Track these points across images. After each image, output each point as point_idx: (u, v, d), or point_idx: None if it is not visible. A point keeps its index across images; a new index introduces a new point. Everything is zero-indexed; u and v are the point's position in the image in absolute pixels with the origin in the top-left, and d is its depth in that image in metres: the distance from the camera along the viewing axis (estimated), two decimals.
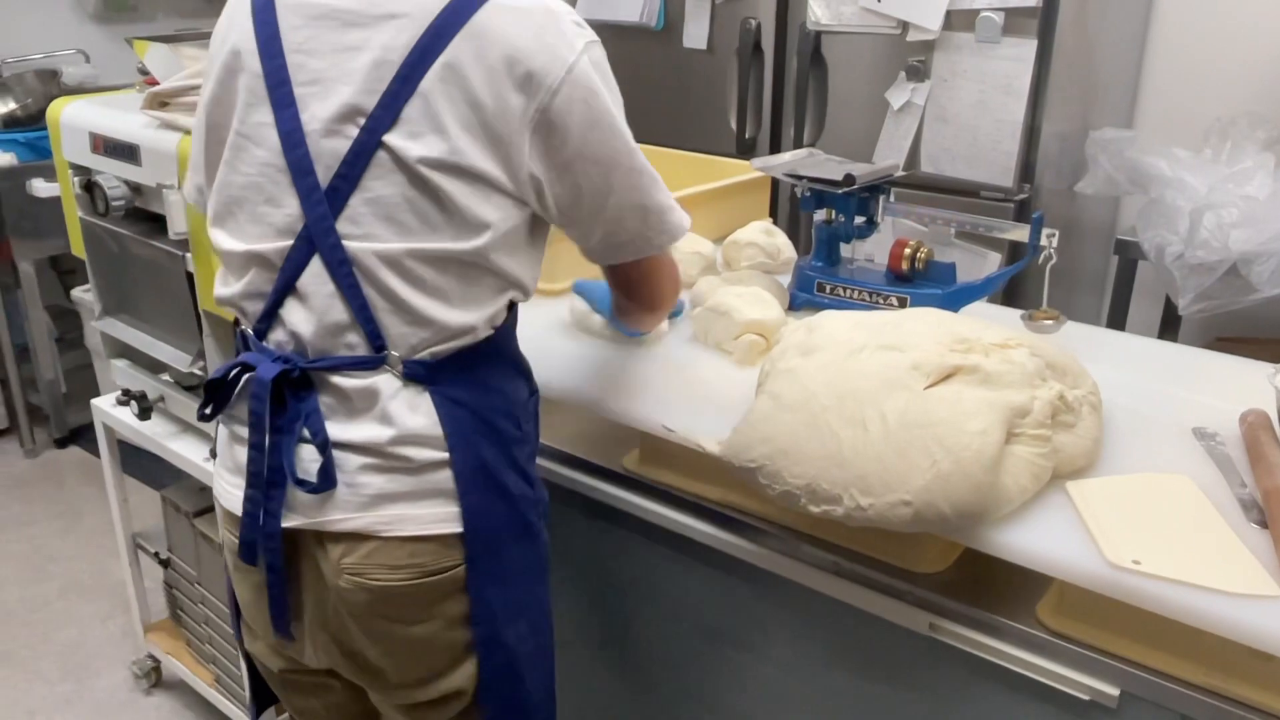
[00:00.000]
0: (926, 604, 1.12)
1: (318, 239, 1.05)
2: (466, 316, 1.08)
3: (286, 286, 1.08)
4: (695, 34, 2.71)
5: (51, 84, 3.34)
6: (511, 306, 1.15)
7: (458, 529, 1.10)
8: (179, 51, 1.77)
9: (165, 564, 2.13)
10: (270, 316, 1.10)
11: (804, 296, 1.58)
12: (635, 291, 1.26)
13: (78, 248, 1.92)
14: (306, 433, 1.09)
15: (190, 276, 1.65)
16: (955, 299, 1.48)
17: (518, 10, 1.03)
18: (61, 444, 3.40)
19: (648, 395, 1.34)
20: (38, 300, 3.24)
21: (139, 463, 2.24)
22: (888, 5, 2.30)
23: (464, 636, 1.14)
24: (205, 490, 1.88)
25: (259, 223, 1.09)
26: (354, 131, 1.03)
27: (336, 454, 1.08)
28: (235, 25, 1.10)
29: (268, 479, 1.10)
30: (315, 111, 1.04)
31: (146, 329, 1.85)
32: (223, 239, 1.13)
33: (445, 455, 1.09)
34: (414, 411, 1.08)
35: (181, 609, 2.15)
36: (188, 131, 1.55)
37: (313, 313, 1.07)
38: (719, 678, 1.39)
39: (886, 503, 1.03)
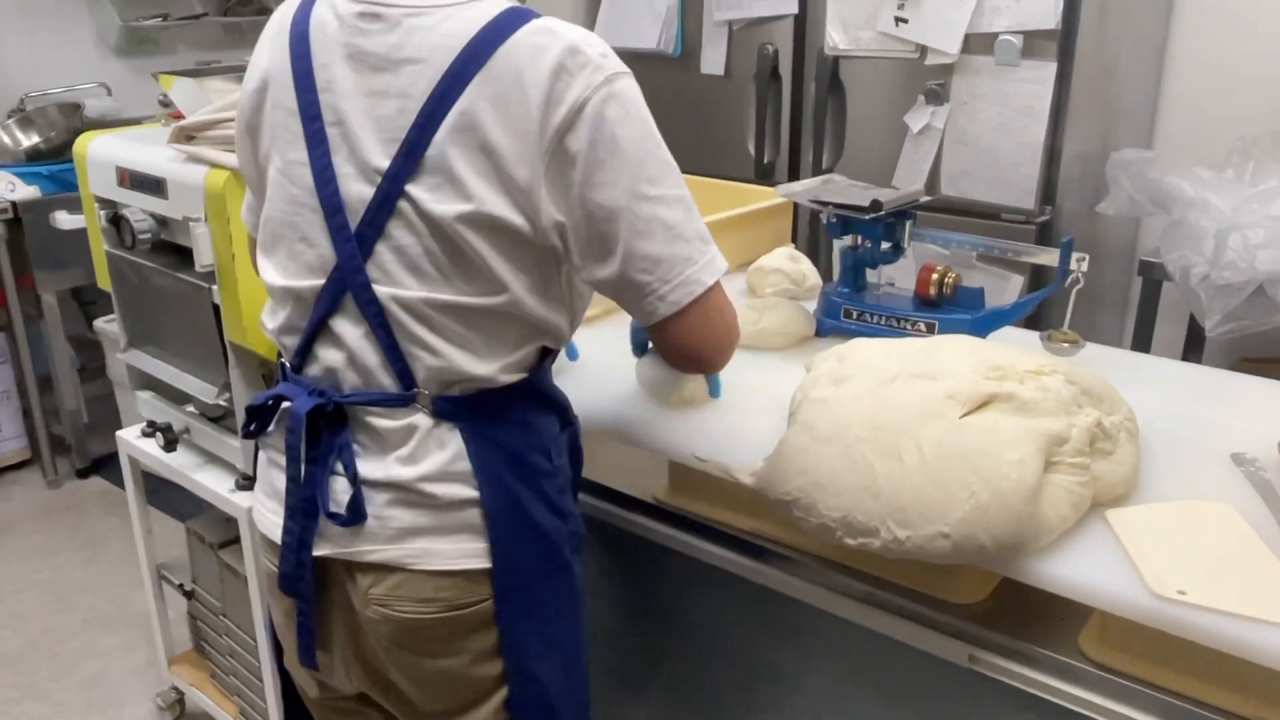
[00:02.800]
0: (965, 635, 1.11)
1: (349, 279, 1.05)
2: (489, 367, 1.07)
3: (320, 324, 1.09)
4: (713, 60, 2.72)
5: (74, 117, 3.37)
6: (545, 352, 1.14)
7: (485, 565, 1.10)
8: (205, 85, 1.78)
9: (189, 595, 2.13)
10: (305, 351, 1.12)
11: (831, 323, 1.58)
12: (668, 348, 1.13)
13: (103, 281, 1.93)
14: (339, 466, 1.09)
15: (216, 309, 1.65)
16: (984, 324, 1.47)
17: (535, 48, 0.99)
18: (83, 474, 3.40)
19: (677, 423, 1.33)
20: (60, 331, 3.26)
21: (162, 494, 2.25)
22: (906, 29, 2.30)
23: (493, 671, 1.14)
24: (230, 522, 1.88)
25: (295, 260, 1.10)
26: (378, 179, 1.02)
27: (366, 489, 1.09)
28: (273, 54, 1.10)
29: (303, 510, 1.11)
30: (344, 154, 1.04)
31: (172, 361, 1.85)
32: (267, 271, 1.14)
33: (475, 493, 1.08)
34: (443, 449, 1.08)
35: (205, 640, 2.15)
36: (214, 165, 1.56)
37: (345, 352, 1.08)
38: (752, 709, 1.38)
39: (924, 535, 1.02)
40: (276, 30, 1.12)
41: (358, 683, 1.20)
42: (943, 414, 1.07)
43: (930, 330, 1.48)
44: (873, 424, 1.09)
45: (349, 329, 1.07)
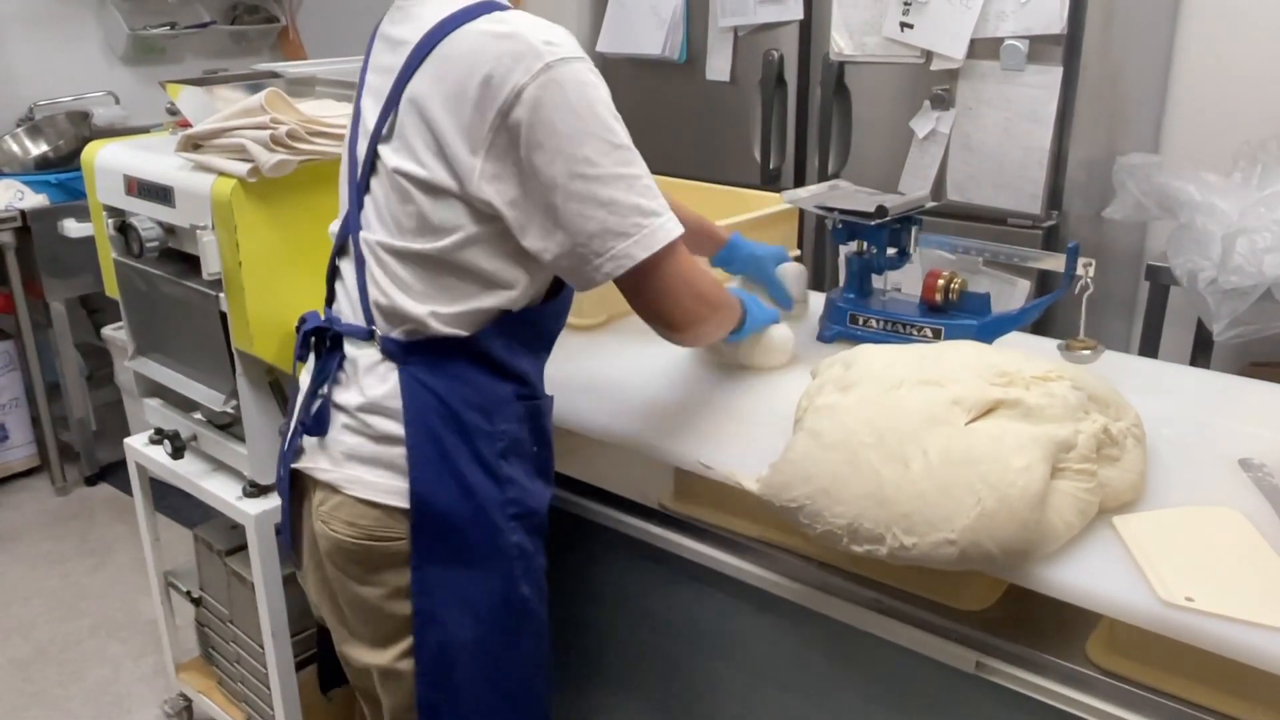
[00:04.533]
0: (972, 642, 1.11)
1: (351, 226, 1.23)
2: (420, 309, 1.16)
3: (334, 266, 1.29)
4: (718, 66, 2.72)
5: (83, 126, 3.39)
6: (500, 316, 1.19)
7: (404, 504, 1.18)
8: (213, 94, 1.79)
9: (197, 602, 2.13)
10: (330, 290, 1.31)
11: (837, 329, 1.58)
12: (636, 310, 1.19)
13: (111, 288, 1.93)
14: (323, 389, 1.25)
15: (223, 316, 1.66)
16: (990, 330, 1.47)
17: (483, 34, 1.09)
18: (92, 481, 3.41)
19: (683, 430, 1.34)
20: (68, 338, 3.26)
21: (170, 500, 2.25)
22: (911, 35, 2.30)
23: (406, 610, 1.21)
24: (237, 529, 1.88)
25: (338, 214, 1.30)
26: (369, 142, 1.19)
27: (333, 410, 1.24)
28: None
29: (298, 419, 1.28)
30: (362, 120, 1.22)
31: (179, 368, 1.86)
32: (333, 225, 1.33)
33: (401, 431, 1.18)
34: (382, 383, 1.19)
35: (213, 647, 2.15)
36: (221, 173, 1.57)
37: (345, 289, 1.26)
38: (758, 716, 1.37)
39: (931, 542, 1.02)
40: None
41: (315, 594, 1.32)
42: (949, 420, 1.07)
43: (936, 336, 1.48)
44: (878, 430, 1.09)
45: (348, 269, 1.25)
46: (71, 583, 2.88)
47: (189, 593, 2.13)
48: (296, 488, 1.31)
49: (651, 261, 1.11)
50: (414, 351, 1.18)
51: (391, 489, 1.18)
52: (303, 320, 1.31)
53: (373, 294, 1.20)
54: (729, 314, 1.27)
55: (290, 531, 1.35)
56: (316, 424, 1.23)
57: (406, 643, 1.23)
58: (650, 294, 1.15)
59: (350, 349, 1.24)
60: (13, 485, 3.40)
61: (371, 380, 1.20)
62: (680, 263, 1.15)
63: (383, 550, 1.19)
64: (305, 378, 1.32)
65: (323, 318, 1.30)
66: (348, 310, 1.24)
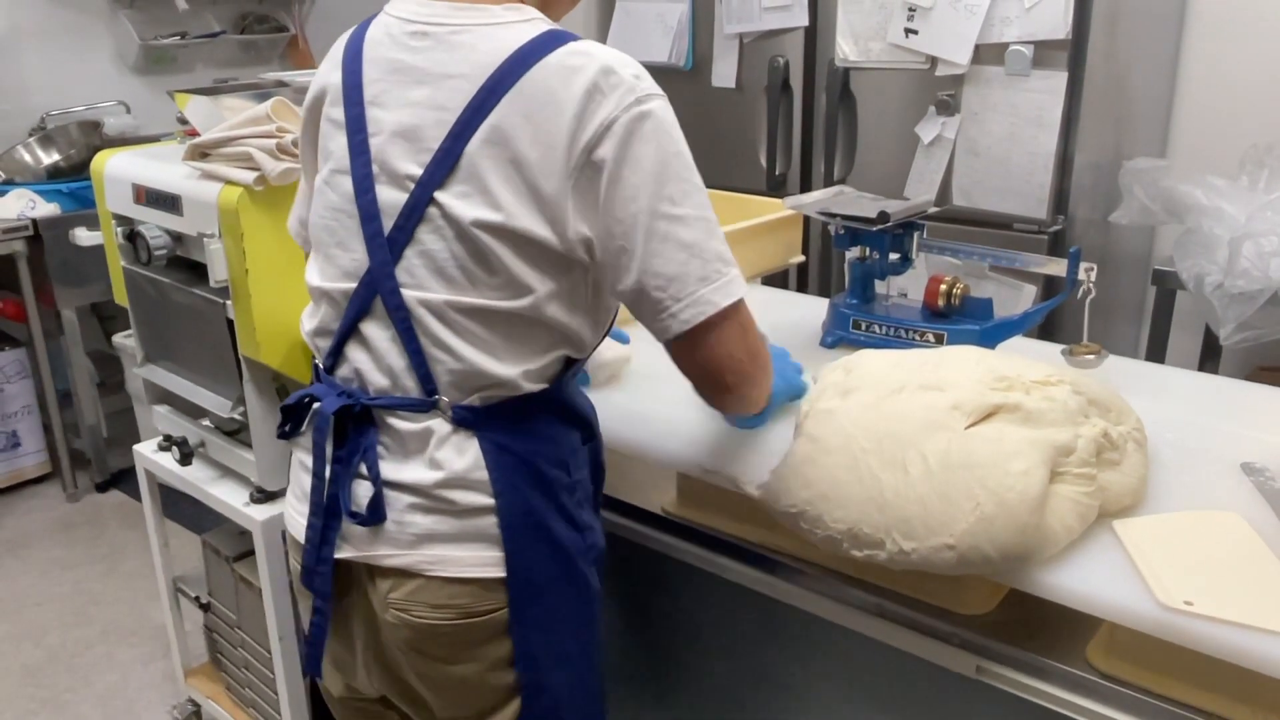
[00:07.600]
0: (973, 646, 1.11)
1: (379, 284, 1.09)
2: (510, 370, 1.09)
3: (350, 327, 1.13)
4: (724, 73, 2.73)
5: (94, 135, 3.41)
6: (567, 363, 1.15)
7: (500, 573, 1.11)
8: (219, 103, 1.81)
9: (205, 608, 2.14)
10: (337, 353, 1.15)
11: (838, 334, 1.58)
12: (685, 370, 1.11)
13: (120, 296, 1.95)
14: (363, 468, 1.13)
15: (230, 324, 1.67)
16: (993, 335, 1.47)
17: (570, 68, 1.02)
18: (103, 488, 3.43)
19: (685, 435, 1.34)
20: (80, 346, 3.29)
21: (179, 507, 2.27)
22: (916, 40, 2.31)
23: (507, 679, 1.16)
24: (245, 534, 1.89)
25: (331, 264, 1.15)
26: (410, 186, 1.06)
27: (387, 492, 1.12)
28: (329, 70, 1.17)
29: (326, 508, 1.14)
30: (382, 163, 1.09)
31: (187, 375, 1.87)
32: (310, 273, 1.19)
33: (491, 501, 1.10)
34: (461, 456, 1.10)
35: (221, 653, 2.16)
36: (228, 182, 1.58)
37: (373, 355, 1.12)
38: None
39: (930, 546, 1.02)
40: (337, 48, 1.18)
41: (378, 685, 1.23)
42: (948, 425, 1.07)
43: (939, 341, 1.48)
44: (878, 435, 1.09)
45: (377, 332, 1.11)
46: (82, 589, 2.90)
47: (197, 598, 2.14)
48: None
49: (727, 311, 1.04)
50: (492, 416, 1.10)
51: (485, 560, 1.11)
52: (308, 402, 1.19)
53: (439, 359, 1.08)
54: (767, 381, 1.16)
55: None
56: (373, 513, 1.11)
57: (508, 710, 1.17)
58: (711, 347, 1.06)
59: (397, 422, 1.11)
60: (24, 492, 3.43)
61: (448, 454, 1.10)
62: (746, 316, 1.08)
63: (480, 625, 1.12)
64: (309, 459, 1.17)
65: (332, 389, 1.15)
66: (381, 379, 1.11)
